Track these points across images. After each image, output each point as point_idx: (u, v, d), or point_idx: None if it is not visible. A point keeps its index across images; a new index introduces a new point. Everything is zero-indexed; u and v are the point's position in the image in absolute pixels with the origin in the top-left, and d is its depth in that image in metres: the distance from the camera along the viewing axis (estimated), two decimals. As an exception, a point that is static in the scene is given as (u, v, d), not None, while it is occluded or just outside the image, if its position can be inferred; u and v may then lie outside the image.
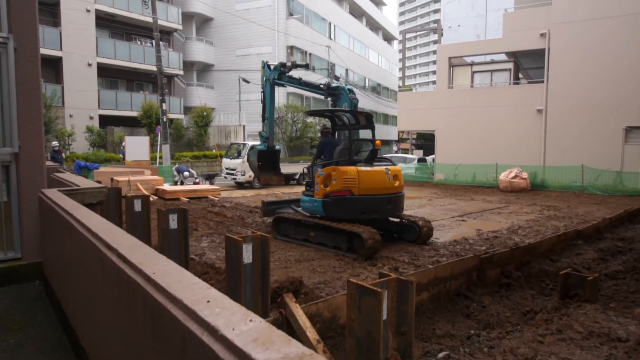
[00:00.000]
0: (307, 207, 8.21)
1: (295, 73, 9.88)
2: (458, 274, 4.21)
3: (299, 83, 9.65)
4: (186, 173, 18.24)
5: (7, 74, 4.08)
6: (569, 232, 7.44)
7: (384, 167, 7.96)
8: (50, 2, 25.42)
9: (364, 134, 9.31)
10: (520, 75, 25.22)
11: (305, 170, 8.94)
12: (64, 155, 19.66)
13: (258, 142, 10.78)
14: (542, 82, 20.26)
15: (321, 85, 9.55)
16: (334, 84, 9.72)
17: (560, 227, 9.79)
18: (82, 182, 4.70)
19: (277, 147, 10.26)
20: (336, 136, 9.13)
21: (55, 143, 18.49)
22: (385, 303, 1.66)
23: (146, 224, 4.23)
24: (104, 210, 5.01)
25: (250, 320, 1.08)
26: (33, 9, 4.25)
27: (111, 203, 5.17)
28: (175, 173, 18.38)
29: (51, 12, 26.03)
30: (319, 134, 9.70)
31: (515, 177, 17.86)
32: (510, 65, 23.26)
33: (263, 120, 9.85)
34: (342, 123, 8.74)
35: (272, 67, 9.50)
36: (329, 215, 7.71)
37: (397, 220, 8.44)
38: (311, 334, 1.88)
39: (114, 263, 1.73)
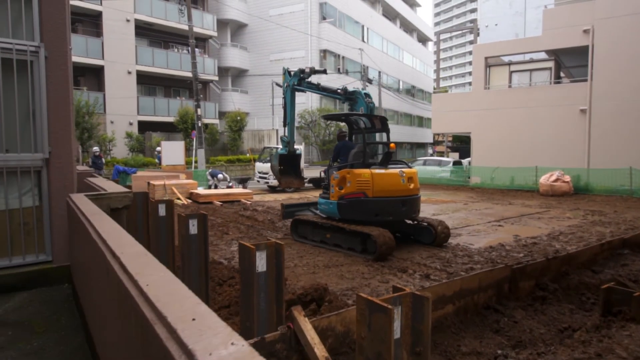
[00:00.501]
0: (323, 210, 8.37)
1: (314, 79, 10.09)
2: (487, 285, 3.86)
3: (318, 88, 9.86)
4: (220, 176, 18.56)
5: (39, 82, 4.19)
6: (614, 241, 6.88)
7: (399, 169, 8.04)
8: (92, 13, 26.53)
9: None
10: (562, 74, 24.18)
11: (323, 174, 9.17)
12: (104, 160, 20.39)
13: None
14: (586, 80, 19.31)
15: (338, 90, 9.74)
16: (351, 88, 9.89)
17: (606, 233, 9.23)
18: (109, 186, 4.77)
19: (298, 152, 10.45)
20: (353, 140, 9.23)
21: (96, 149, 19.22)
22: (399, 320, 1.52)
23: (170, 228, 4.24)
24: (130, 215, 5.07)
25: (232, 344, 0.97)
26: (64, 18, 4.35)
27: (139, 207, 5.22)
28: (209, 177, 18.73)
29: (94, 23, 27.16)
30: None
31: (556, 180, 17.07)
32: (551, 64, 22.33)
33: (284, 126, 10.07)
34: (358, 127, 8.85)
35: (292, 73, 9.72)
36: (344, 217, 7.85)
37: (414, 222, 8.46)
38: (319, 350, 1.77)
39: (115, 272, 1.68)
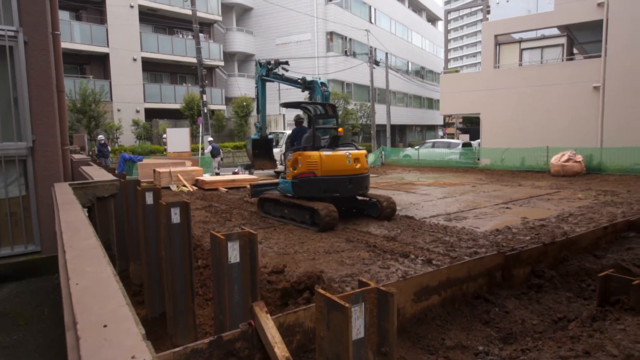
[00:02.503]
0: (282, 188, 9.42)
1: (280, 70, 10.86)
2: (477, 274, 3.61)
3: (282, 78, 10.62)
4: (216, 162, 18.75)
5: (19, 68, 4.07)
6: (619, 223, 6.53)
7: (346, 151, 8.91)
8: (96, 0, 26.34)
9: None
10: (575, 51, 23.46)
11: (282, 157, 10.26)
12: (109, 148, 20.43)
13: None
14: (600, 56, 18.69)
15: (299, 80, 10.49)
16: (309, 78, 10.59)
17: (617, 214, 8.94)
18: (99, 175, 4.66)
19: (270, 136, 11.47)
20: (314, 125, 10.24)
21: (101, 137, 19.23)
22: (362, 319, 1.38)
23: (157, 217, 4.13)
24: (120, 204, 4.97)
25: (133, 358, 0.83)
26: (44, 1, 4.20)
27: (130, 196, 5.12)
28: (207, 147, 18.95)
29: (98, 10, 26.99)
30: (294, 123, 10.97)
31: (568, 160, 16.67)
32: (563, 40, 21.66)
33: (257, 113, 11.12)
34: (311, 113, 9.61)
35: (262, 64, 10.66)
36: (297, 194, 8.88)
37: (366, 198, 9.38)
38: (280, 350, 1.64)
39: (59, 268, 1.55)
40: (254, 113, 31.01)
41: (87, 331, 0.95)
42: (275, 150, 18.67)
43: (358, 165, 8.88)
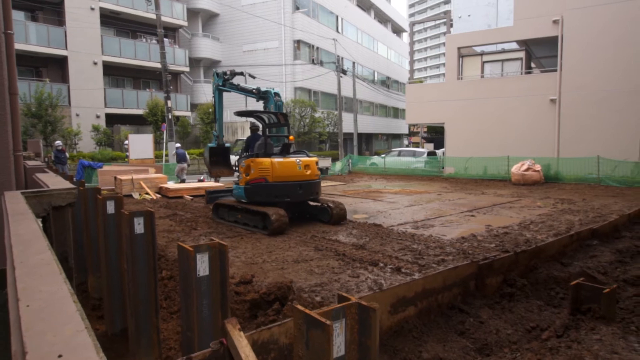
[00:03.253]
0: (235, 194, 9.63)
1: (237, 80, 11.36)
2: (452, 284, 3.64)
3: (237, 88, 10.86)
4: (178, 169, 18.49)
5: (-33, 68, 3.79)
6: (583, 231, 6.78)
7: (297, 158, 9.26)
8: (54, 1, 25.35)
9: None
10: (533, 65, 24.46)
11: (237, 163, 10.30)
12: (67, 154, 19.57)
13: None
14: (555, 71, 19.55)
15: (253, 90, 10.77)
16: (263, 88, 10.90)
17: (575, 221, 9.29)
18: (54, 183, 4.40)
19: (227, 145, 11.64)
20: (267, 133, 10.48)
21: (58, 142, 18.41)
22: (343, 335, 1.31)
23: (119, 227, 3.92)
24: (83, 213, 4.70)
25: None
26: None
27: (90, 205, 4.87)
28: (179, 158, 18.72)
29: (55, 11, 25.98)
30: (249, 131, 11.32)
31: (527, 169, 17.27)
32: (522, 55, 22.55)
33: (214, 122, 11.46)
34: (265, 122, 9.93)
35: (218, 75, 11.02)
36: (250, 199, 9.12)
37: (317, 204, 9.74)
38: (254, 371, 1.56)
39: (8, 287, 1.40)
40: (229, 118, 30.62)
41: (38, 363, 0.83)
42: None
43: (309, 172, 9.25)
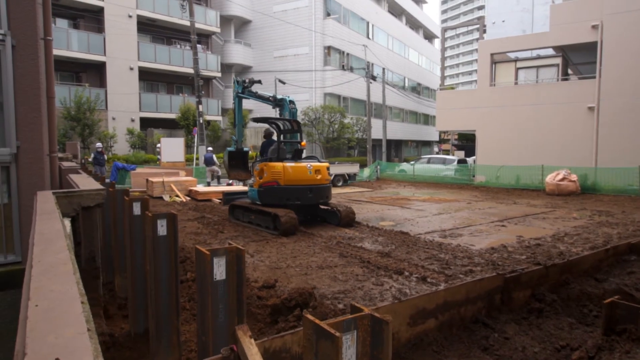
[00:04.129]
0: (249, 196, 10.17)
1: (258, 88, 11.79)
2: (476, 297, 3.48)
3: (255, 96, 11.21)
4: (215, 167, 18.74)
5: (6, 73, 3.95)
6: (620, 246, 6.40)
7: (308, 163, 9.70)
8: (94, 9, 26.36)
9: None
10: (570, 71, 23.69)
11: (251, 167, 10.83)
12: (106, 156, 20.24)
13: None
14: (594, 77, 18.85)
15: (270, 98, 11.20)
16: (279, 96, 11.23)
17: (613, 234, 8.87)
18: (85, 184, 4.52)
19: (245, 149, 12.01)
20: (281, 138, 10.80)
21: (98, 145, 19.09)
22: (354, 348, 1.25)
23: (144, 228, 3.98)
24: (108, 214, 4.81)
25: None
26: (33, 5, 4.10)
27: (118, 206, 4.97)
28: (204, 162, 19.05)
29: (95, 19, 27.00)
30: (263, 136, 11.65)
31: (563, 179, 16.67)
32: (558, 61, 21.87)
33: (234, 127, 11.96)
34: (279, 128, 10.31)
35: (238, 82, 11.35)
36: (262, 201, 9.54)
37: (327, 207, 10.16)
38: (264, 380, 1.52)
39: (27, 285, 1.42)
40: (250, 124, 31.05)
41: (35, 365, 0.82)
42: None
43: (319, 176, 9.66)
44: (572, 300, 3.96)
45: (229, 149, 11.80)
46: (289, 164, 9.45)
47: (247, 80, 11.29)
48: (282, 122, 10.22)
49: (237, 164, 11.69)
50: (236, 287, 2.18)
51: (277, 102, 11.12)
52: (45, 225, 2.20)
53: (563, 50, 21.17)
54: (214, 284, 2.12)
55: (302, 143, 10.38)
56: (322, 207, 10.26)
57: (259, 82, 11.68)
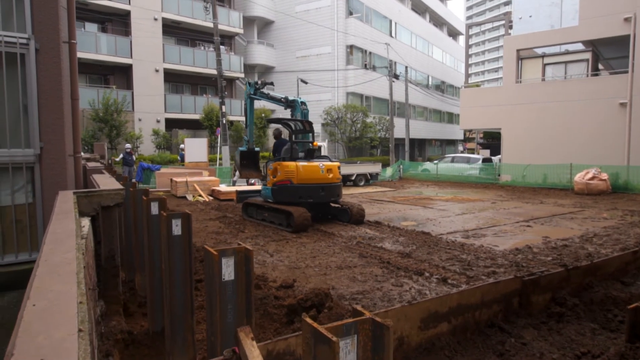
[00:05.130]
0: (263, 194, 10.54)
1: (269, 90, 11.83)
2: (492, 300, 3.36)
3: (267, 97, 11.42)
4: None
5: (30, 75, 4.06)
6: None
7: (320, 162, 10.01)
8: (121, 13, 26.99)
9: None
10: (600, 66, 22.89)
11: (264, 167, 11.03)
12: (134, 157, 20.70)
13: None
14: (627, 72, 18.16)
15: (282, 99, 11.34)
16: (291, 97, 11.32)
17: (645, 235, 8.53)
18: (106, 183, 4.60)
19: (256, 149, 12.20)
20: (293, 138, 11.07)
21: (127, 145, 19.56)
22: (354, 353, 1.21)
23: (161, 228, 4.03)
24: (129, 213, 4.89)
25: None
26: (56, 9, 4.20)
27: (138, 205, 5.05)
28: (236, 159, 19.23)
29: (123, 22, 27.63)
30: (274, 137, 11.90)
31: (592, 178, 16.14)
32: (588, 56, 21.16)
33: (245, 127, 12.09)
34: (292, 128, 10.57)
35: (250, 84, 11.52)
36: (276, 199, 9.86)
37: (338, 205, 10.44)
38: (264, 383, 1.50)
39: (30, 284, 1.43)
40: (272, 125, 31.22)
41: (19, 366, 0.82)
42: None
43: (331, 175, 10.00)
44: (595, 304, 3.76)
45: (240, 148, 12.11)
46: (301, 163, 9.72)
47: (259, 82, 11.53)
48: (294, 123, 10.50)
49: (249, 163, 11.91)
50: (245, 287, 2.17)
51: (288, 103, 11.26)
52: (59, 225, 2.24)
53: (593, 45, 20.48)
54: (223, 285, 2.11)
55: (315, 143, 10.73)
56: (333, 205, 10.52)
57: (271, 84, 11.96)
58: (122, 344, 3.80)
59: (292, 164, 9.69)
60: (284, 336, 1.96)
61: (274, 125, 31.47)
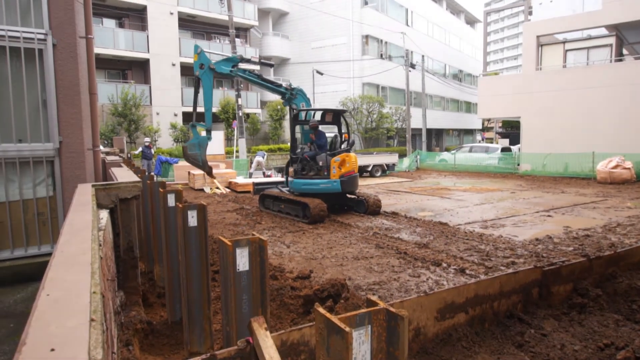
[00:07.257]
0: (323, 188, 9.84)
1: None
2: (511, 290, 3.30)
3: (259, 79, 10.50)
4: (259, 158, 19.24)
5: (48, 71, 4.12)
6: None
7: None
8: (138, 8, 27.21)
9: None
10: (625, 51, 22.19)
11: (304, 159, 10.35)
12: (153, 150, 20.98)
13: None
14: (652, 57, 17.57)
15: (283, 85, 10.65)
16: (294, 85, 10.74)
17: (671, 225, 8.29)
18: (123, 176, 4.67)
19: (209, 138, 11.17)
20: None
21: (147, 139, 19.82)
22: (369, 344, 1.20)
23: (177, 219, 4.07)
24: (147, 205, 4.94)
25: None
26: (72, 5, 4.24)
27: (155, 198, 5.10)
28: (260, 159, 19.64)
29: (139, 17, 27.87)
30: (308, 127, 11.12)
31: (616, 166, 15.72)
32: (612, 40, 20.53)
33: (206, 111, 10.32)
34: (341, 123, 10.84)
35: (208, 54, 10.08)
36: (345, 190, 9.87)
37: (354, 196, 10.46)
38: (278, 373, 1.49)
39: (45, 274, 1.45)
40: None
41: (30, 355, 0.82)
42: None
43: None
44: (619, 295, 3.65)
45: (206, 140, 11.07)
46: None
47: (252, 58, 10.36)
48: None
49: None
50: (260, 278, 2.17)
51: (291, 92, 10.41)
52: (76, 216, 2.28)
53: (617, 29, 19.85)
54: (237, 275, 2.12)
55: (345, 135, 10.71)
56: (349, 196, 10.54)
57: (271, 65, 11.13)
58: (142, 334, 3.86)
59: (354, 155, 10.16)
60: (298, 326, 1.96)
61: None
